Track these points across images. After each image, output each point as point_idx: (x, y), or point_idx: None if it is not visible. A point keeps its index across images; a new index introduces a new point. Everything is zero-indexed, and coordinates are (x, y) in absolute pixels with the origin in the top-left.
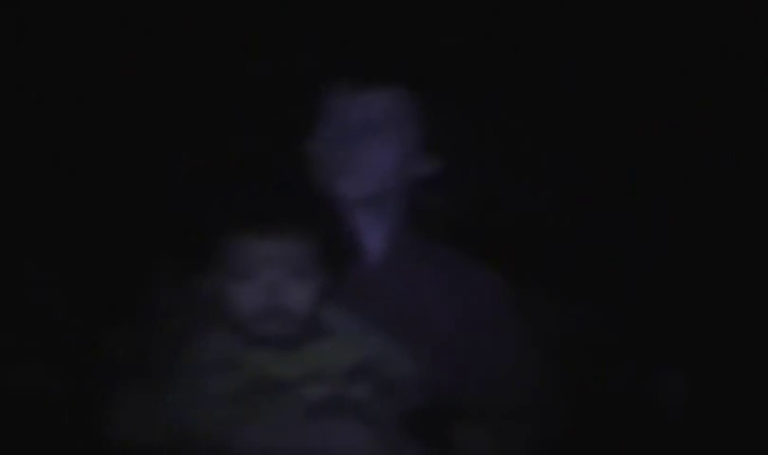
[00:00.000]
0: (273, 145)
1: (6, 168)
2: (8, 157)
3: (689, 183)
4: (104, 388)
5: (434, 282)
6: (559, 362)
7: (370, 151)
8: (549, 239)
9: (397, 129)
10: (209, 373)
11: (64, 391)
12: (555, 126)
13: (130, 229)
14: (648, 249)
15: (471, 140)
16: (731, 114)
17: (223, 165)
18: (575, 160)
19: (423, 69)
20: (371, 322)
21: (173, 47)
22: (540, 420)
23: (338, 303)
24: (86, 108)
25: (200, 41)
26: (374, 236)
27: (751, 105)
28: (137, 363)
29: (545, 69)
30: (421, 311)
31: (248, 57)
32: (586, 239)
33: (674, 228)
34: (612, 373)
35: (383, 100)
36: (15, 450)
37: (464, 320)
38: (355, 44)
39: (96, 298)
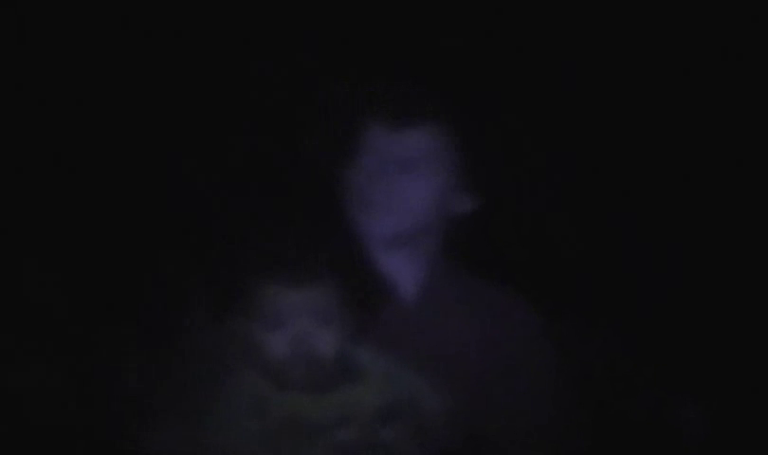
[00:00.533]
0: (304, 189)
1: (5, 166)
2: (6, 155)
3: (705, 208)
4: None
5: (469, 318)
6: (581, 392)
7: (406, 188)
8: (569, 267)
9: (434, 166)
10: (239, 415)
11: (64, 392)
12: (583, 160)
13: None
14: (666, 277)
15: (507, 178)
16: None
17: (256, 209)
18: (594, 188)
19: (463, 106)
20: (404, 361)
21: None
22: (564, 451)
23: (372, 343)
24: (92, 110)
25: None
26: (408, 274)
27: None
28: (166, 395)
29: (585, 108)
30: (456, 347)
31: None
32: (605, 266)
33: (693, 255)
34: (631, 402)
35: (421, 136)
36: (15, 450)
37: (498, 354)
38: (393, 77)
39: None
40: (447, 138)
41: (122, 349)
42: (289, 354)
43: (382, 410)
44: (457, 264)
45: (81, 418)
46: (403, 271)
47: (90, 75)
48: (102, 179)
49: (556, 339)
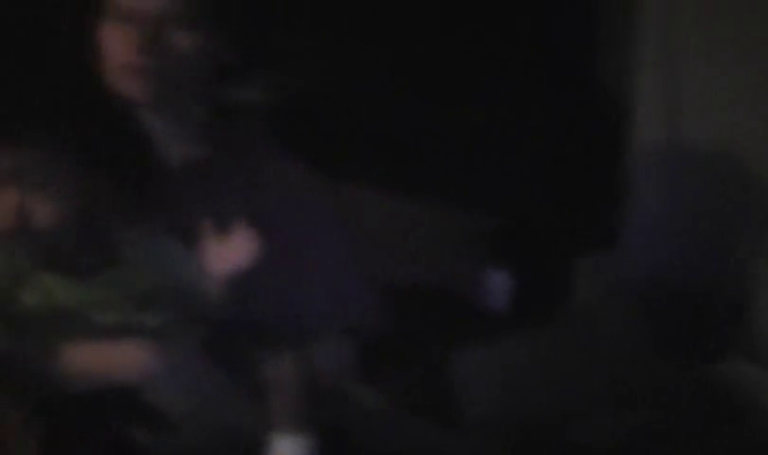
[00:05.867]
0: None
1: None
2: None
3: None
4: None
5: (243, 188)
6: (381, 266)
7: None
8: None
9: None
10: None
11: None
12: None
13: None
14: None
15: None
16: None
17: None
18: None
19: None
20: (173, 240)
21: None
22: (358, 336)
23: (138, 220)
24: None
25: None
26: (173, 140)
27: None
28: None
29: None
30: (230, 220)
31: None
32: (409, 130)
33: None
34: (432, 271)
35: None
36: None
37: (272, 229)
38: None
39: None
40: None
41: None
42: (9, 232)
43: (146, 296)
44: (242, 129)
45: None
46: (168, 137)
47: None
48: None
49: (351, 203)
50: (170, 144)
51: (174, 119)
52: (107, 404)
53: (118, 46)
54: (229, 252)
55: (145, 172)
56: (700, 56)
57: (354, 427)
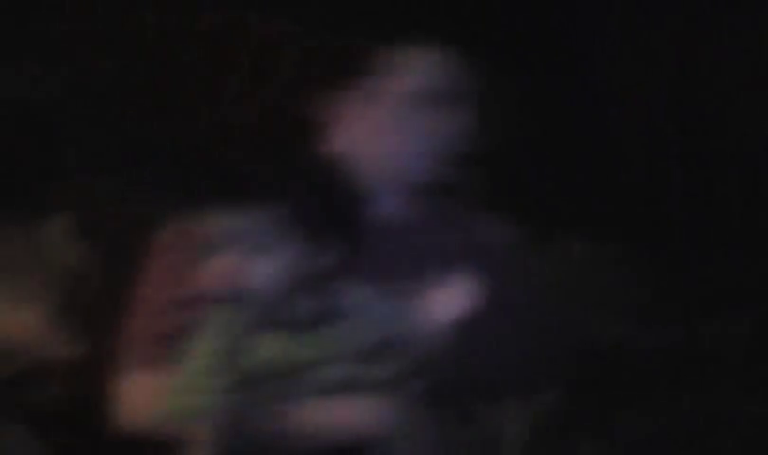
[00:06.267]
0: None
1: None
2: None
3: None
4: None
5: (455, 241)
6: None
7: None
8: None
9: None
10: (218, 356)
11: None
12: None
13: None
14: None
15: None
16: None
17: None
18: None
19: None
20: (393, 294)
21: None
22: (566, 387)
23: (358, 276)
24: None
25: None
26: (388, 195)
27: None
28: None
29: None
30: (447, 272)
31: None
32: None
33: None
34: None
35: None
36: None
37: (483, 285)
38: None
39: None
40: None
41: None
42: (272, 287)
43: (370, 350)
44: (450, 188)
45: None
46: (384, 196)
47: None
48: None
49: (553, 259)
50: (385, 200)
51: (390, 177)
52: None
53: (359, 123)
54: (449, 303)
55: (362, 227)
56: None
57: None
